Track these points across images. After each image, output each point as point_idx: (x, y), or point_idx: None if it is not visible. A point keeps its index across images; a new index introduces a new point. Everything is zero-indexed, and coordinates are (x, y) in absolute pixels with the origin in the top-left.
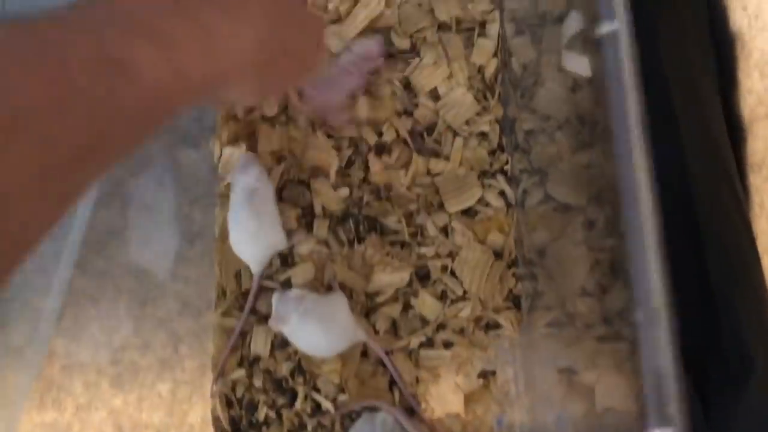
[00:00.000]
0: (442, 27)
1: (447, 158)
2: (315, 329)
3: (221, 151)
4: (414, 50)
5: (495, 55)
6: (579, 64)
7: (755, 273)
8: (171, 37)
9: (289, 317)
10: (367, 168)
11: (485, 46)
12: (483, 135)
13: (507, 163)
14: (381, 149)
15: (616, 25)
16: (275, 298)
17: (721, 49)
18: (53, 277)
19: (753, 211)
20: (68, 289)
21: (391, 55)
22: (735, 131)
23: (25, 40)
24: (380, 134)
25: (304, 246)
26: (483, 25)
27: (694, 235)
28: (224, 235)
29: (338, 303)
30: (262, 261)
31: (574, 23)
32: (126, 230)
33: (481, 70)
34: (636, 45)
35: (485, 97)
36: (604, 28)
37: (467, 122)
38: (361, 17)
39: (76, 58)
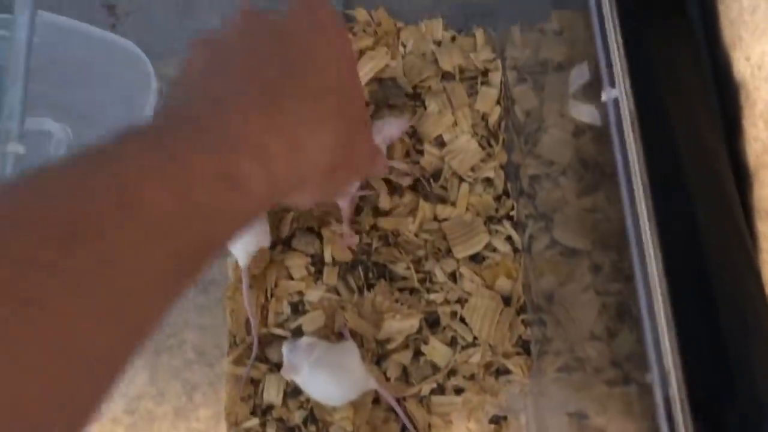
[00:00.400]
0: (445, 76)
1: (453, 204)
2: (327, 378)
3: None
4: (419, 99)
5: (498, 102)
6: (586, 114)
7: (766, 321)
8: (269, 153)
9: (301, 366)
10: (376, 215)
11: (488, 94)
12: (488, 181)
13: (513, 208)
14: (391, 192)
15: (617, 93)
16: (286, 347)
17: (725, 98)
18: None
19: (761, 258)
20: None
21: (394, 105)
22: (741, 179)
23: (154, 154)
24: (389, 181)
25: (315, 293)
26: (485, 73)
27: (703, 285)
28: (236, 284)
29: (349, 351)
30: (249, 254)
31: (580, 74)
32: None
33: (484, 117)
34: (638, 108)
35: (489, 144)
36: (606, 95)
37: (472, 168)
38: (367, 69)
39: (197, 174)
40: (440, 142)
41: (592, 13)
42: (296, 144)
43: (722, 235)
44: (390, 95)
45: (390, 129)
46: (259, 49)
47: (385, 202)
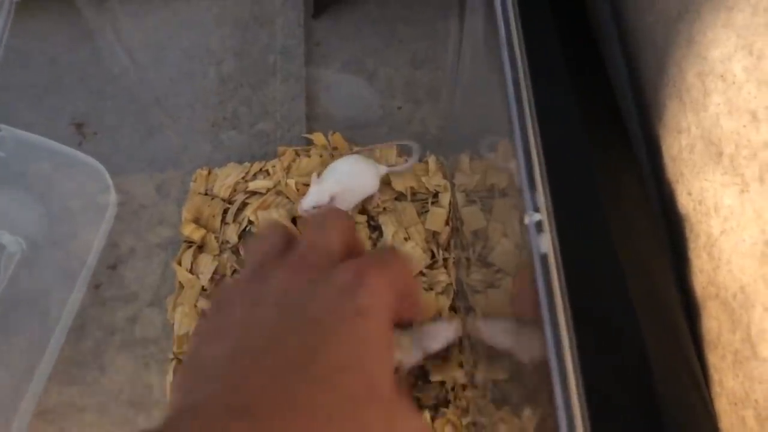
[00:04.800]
0: (398, 197)
1: None
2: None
3: None
4: (374, 219)
5: (447, 222)
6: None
7: None
8: None
9: None
10: None
11: (438, 214)
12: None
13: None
14: None
15: (539, 216)
16: None
17: (671, 229)
18: None
19: (713, 389)
20: None
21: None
22: (690, 308)
23: None
24: None
25: None
26: (436, 195)
27: (655, 423)
28: None
29: None
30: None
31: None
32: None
33: (435, 235)
34: (583, 236)
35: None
36: (528, 218)
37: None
38: None
39: None
40: None
41: (515, 134)
42: None
43: (673, 369)
44: None
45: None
46: (280, 340)
47: None
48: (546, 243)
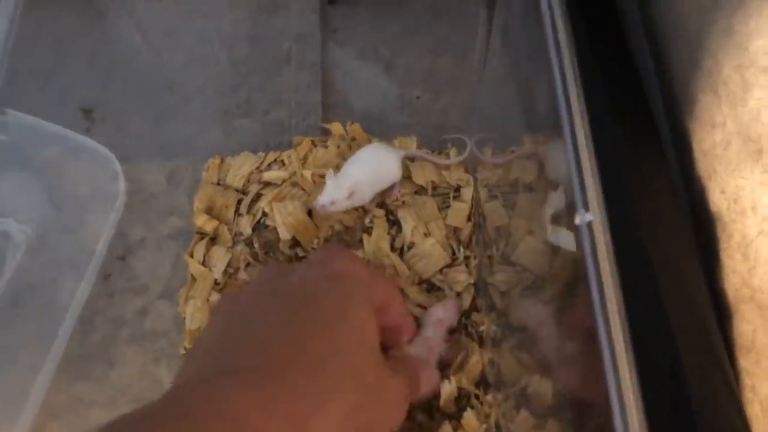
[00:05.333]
0: (418, 191)
1: None
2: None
3: None
4: (392, 213)
5: (469, 218)
6: (564, 240)
7: None
8: None
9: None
10: None
11: (460, 209)
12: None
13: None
14: None
15: (591, 217)
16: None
17: (700, 229)
18: None
19: (745, 395)
20: None
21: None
22: (721, 311)
23: None
24: None
25: None
26: (458, 189)
27: (687, 425)
28: None
29: None
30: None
31: (558, 200)
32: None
33: (456, 232)
34: (612, 235)
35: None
36: (580, 218)
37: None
38: None
39: None
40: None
41: (565, 132)
42: (297, 421)
43: (705, 373)
44: None
45: (440, 315)
46: (269, 311)
47: None
48: (601, 243)
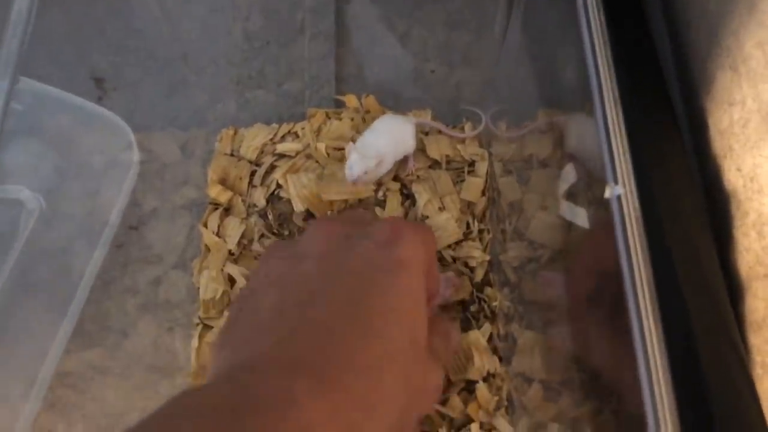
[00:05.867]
0: (432, 165)
1: None
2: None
3: None
4: (406, 187)
5: (483, 193)
6: (577, 215)
7: None
8: None
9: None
10: None
11: (474, 184)
12: (470, 269)
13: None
14: None
15: (621, 190)
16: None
17: (714, 206)
18: None
19: (755, 372)
20: None
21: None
22: (733, 289)
23: None
24: None
25: None
26: (472, 164)
27: (699, 396)
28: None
29: None
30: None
31: (571, 175)
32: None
33: (470, 206)
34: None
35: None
36: (610, 191)
37: (452, 247)
38: None
39: None
40: None
41: (596, 107)
42: (352, 430)
43: (717, 347)
44: None
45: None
46: (331, 291)
47: None
48: (631, 216)
